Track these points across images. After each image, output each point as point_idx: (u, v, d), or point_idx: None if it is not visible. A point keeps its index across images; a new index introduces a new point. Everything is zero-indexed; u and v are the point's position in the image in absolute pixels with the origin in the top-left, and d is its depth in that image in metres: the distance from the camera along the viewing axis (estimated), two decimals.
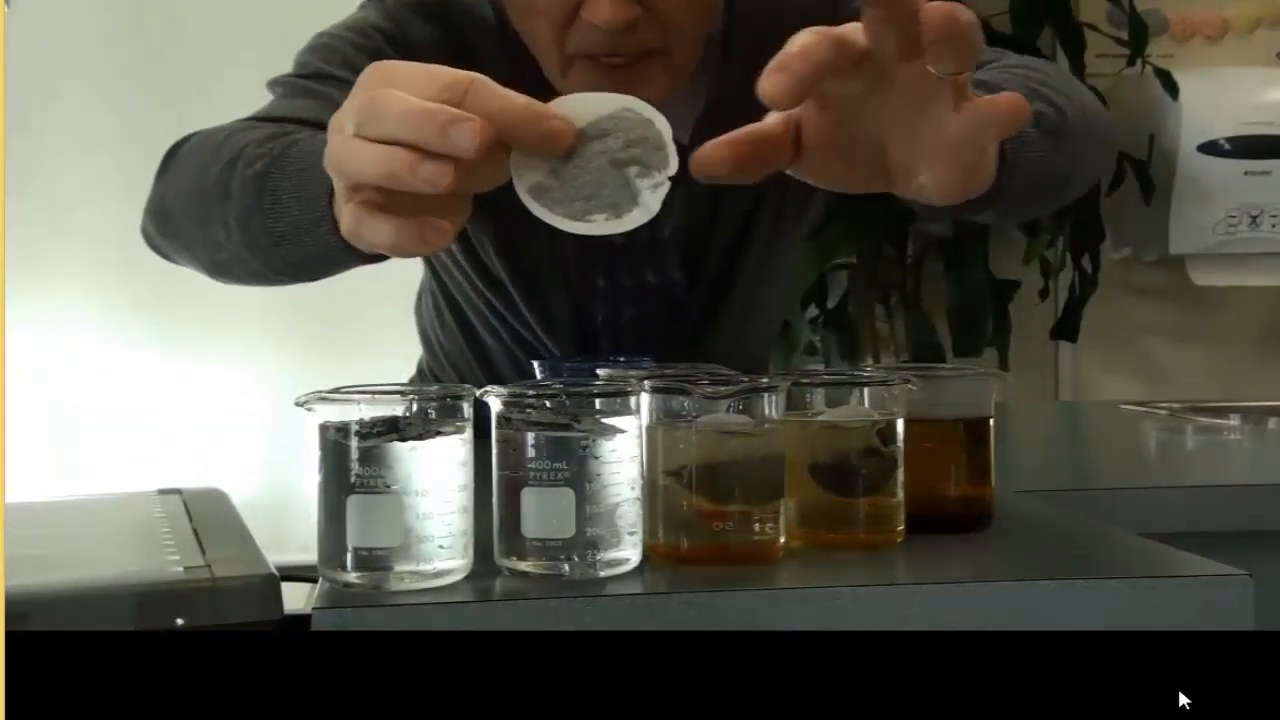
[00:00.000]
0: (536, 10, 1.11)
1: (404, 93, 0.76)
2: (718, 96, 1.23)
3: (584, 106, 0.79)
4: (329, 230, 0.91)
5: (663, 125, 0.81)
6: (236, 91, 2.59)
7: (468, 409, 0.85)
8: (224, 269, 1.10)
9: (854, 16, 0.79)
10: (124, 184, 2.67)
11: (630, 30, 1.07)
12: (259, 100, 1.25)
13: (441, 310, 1.50)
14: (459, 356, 1.50)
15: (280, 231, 0.96)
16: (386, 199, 0.78)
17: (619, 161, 0.79)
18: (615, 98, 0.81)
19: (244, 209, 0.99)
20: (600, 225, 0.80)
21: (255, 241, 1.00)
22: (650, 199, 0.80)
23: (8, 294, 2.34)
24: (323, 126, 0.92)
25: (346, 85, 0.94)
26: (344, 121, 0.79)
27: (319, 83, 1.17)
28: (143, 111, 2.63)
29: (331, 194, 0.89)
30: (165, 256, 1.20)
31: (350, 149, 0.78)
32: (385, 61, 0.83)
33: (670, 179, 0.80)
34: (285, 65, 1.33)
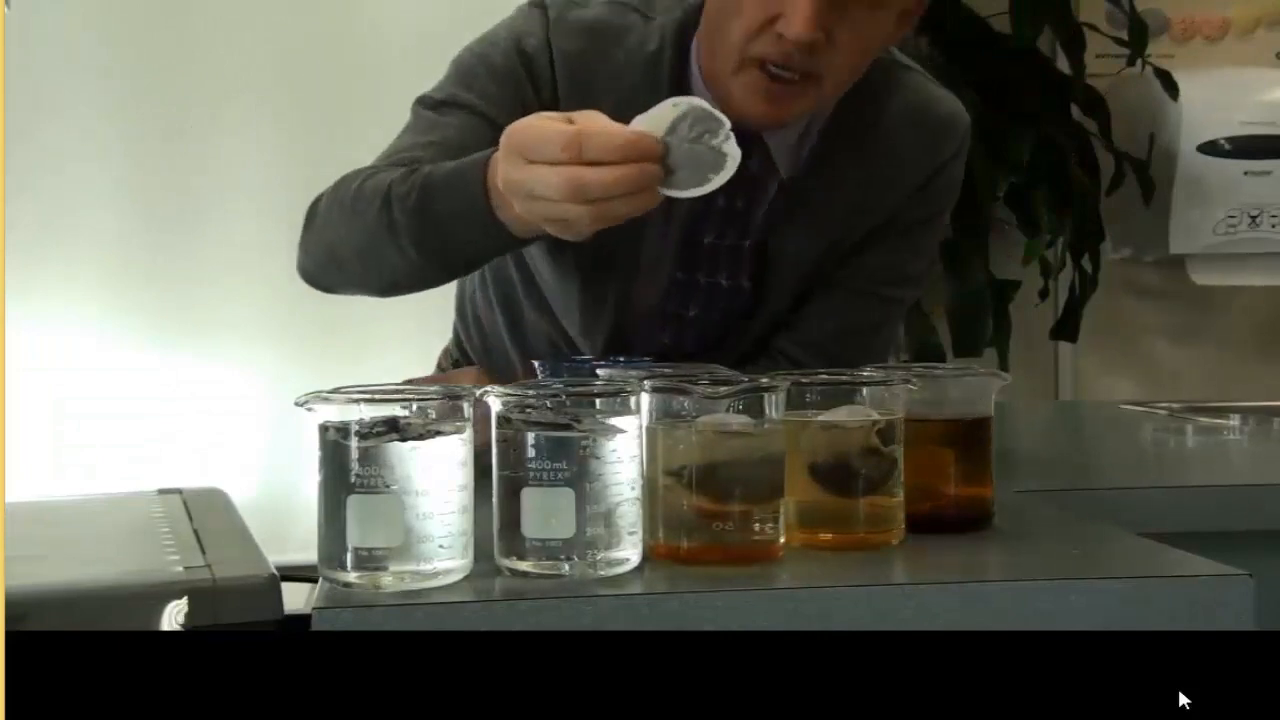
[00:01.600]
0: (738, 13, 1.26)
1: (539, 160, 1.04)
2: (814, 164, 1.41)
3: (652, 120, 1.05)
4: (490, 223, 1.16)
5: (698, 101, 1.05)
6: (236, 99, 2.62)
7: (468, 409, 0.85)
8: (397, 286, 1.32)
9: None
10: (126, 187, 2.68)
11: (808, 51, 1.24)
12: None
13: (489, 293, 1.53)
14: (494, 328, 1.53)
15: (450, 241, 1.21)
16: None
17: (695, 141, 1.04)
18: (663, 105, 1.05)
19: (414, 235, 1.22)
20: (715, 181, 1.05)
21: (431, 255, 1.23)
22: (730, 149, 1.04)
23: (9, 294, 2.34)
24: (448, 152, 1.26)
25: (474, 113, 1.33)
26: (522, 187, 1.08)
27: (448, 113, 1.36)
28: (143, 118, 2.63)
29: (485, 196, 1.15)
30: (327, 289, 1.40)
31: (537, 209, 1.08)
32: (514, 129, 1.08)
33: (731, 128, 1.04)
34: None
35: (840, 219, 1.41)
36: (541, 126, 1.06)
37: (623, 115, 1.21)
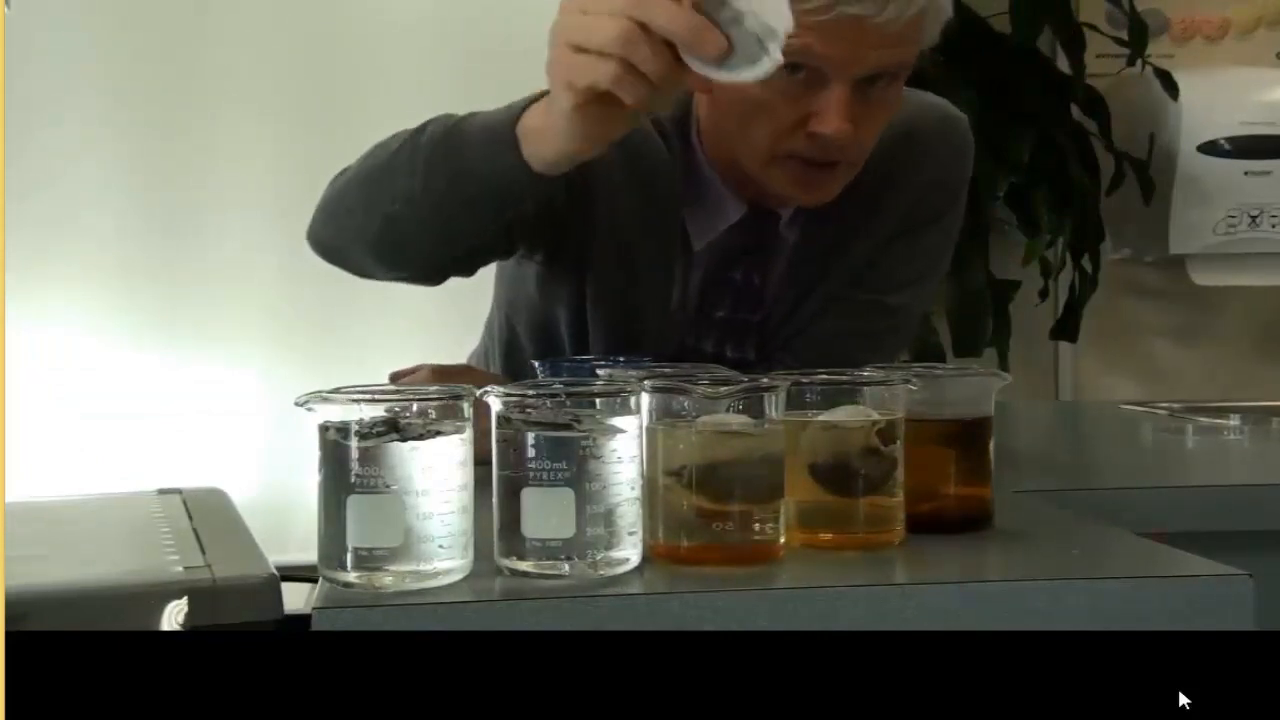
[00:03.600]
0: (767, 114, 1.28)
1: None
2: (814, 220, 1.42)
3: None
4: (509, 142, 1.12)
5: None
6: (235, 98, 2.62)
7: (467, 409, 0.85)
8: (392, 226, 1.23)
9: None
10: (125, 187, 2.68)
11: (842, 143, 1.26)
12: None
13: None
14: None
15: (463, 165, 1.16)
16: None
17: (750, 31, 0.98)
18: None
19: (432, 148, 1.17)
20: (745, 74, 0.99)
21: (434, 179, 1.17)
22: (776, 54, 0.99)
23: (9, 294, 2.34)
24: None
25: None
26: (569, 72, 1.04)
27: None
28: (143, 118, 2.63)
29: (513, 121, 1.12)
30: (321, 243, 1.35)
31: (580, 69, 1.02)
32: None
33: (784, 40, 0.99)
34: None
35: (845, 265, 1.43)
36: None
37: (648, 208, 1.29)
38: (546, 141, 1.11)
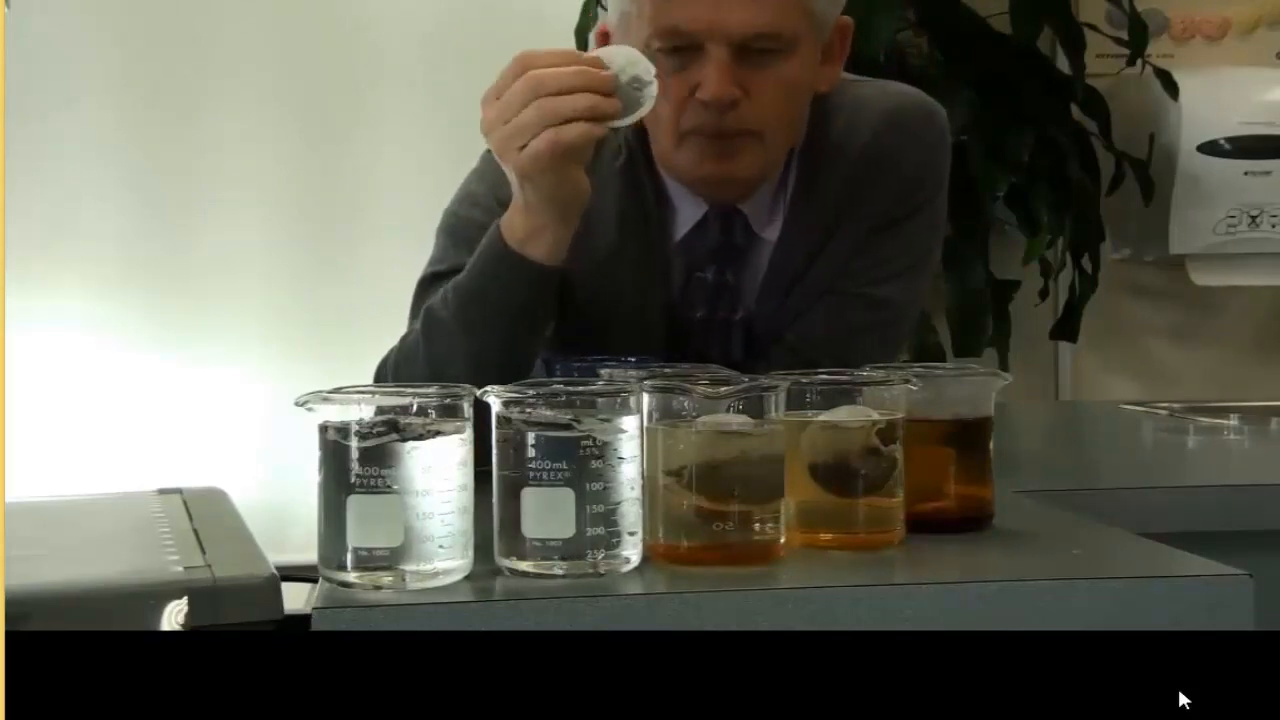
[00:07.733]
0: (664, 97, 1.30)
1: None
2: (793, 216, 1.44)
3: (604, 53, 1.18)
4: (509, 254, 1.23)
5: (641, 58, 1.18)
6: (238, 94, 2.62)
7: (468, 409, 0.86)
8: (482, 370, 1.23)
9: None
10: (126, 184, 2.68)
11: (732, 109, 1.29)
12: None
13: None
14: None
15: (484, 298, 1.25)
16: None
17: (630, 84, 1.17)
18: (620, 49, 1.19)
19: (454, 310, 1.26)
20: (635, 116, 1.17)
21: (472, 328, 1.25)
22: (648, 95, 1.17)
23: (8, 293, 2.34)
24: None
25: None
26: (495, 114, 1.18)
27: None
28: (145, 113, 2.63)
29: (499, 236, 1.23)
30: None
31: (508, 133, 1.17)
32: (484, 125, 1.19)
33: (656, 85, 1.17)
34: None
35: (829, 258, 1.41)
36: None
37: (617, 225, 1.32)
38: (548, 238, 1.21)
